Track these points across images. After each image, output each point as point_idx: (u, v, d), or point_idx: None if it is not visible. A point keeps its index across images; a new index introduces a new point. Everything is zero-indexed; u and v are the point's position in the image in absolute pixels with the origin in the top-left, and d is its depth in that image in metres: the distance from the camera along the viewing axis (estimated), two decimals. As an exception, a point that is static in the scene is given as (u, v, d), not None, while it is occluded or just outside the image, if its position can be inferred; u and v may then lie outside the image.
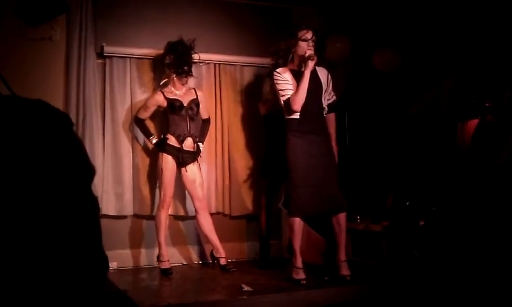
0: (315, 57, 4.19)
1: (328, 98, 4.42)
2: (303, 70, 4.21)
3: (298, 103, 4.18)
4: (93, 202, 0.98)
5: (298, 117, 4.23)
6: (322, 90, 4.35)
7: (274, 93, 4.55)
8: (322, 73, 4.40)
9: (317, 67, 4.33)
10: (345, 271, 4.22)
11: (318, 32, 4.40)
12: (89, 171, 0.98)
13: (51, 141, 0.91)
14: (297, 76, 4.25)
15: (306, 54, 4.18)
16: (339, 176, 4.40)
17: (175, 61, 4.85)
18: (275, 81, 4.31)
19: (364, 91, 5.86)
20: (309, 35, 4.26)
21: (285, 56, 4.33)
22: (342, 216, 4.26)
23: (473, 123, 4.52)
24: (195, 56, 4.95)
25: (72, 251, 0.92)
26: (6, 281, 0.86)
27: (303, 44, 4.25)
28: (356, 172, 5.67)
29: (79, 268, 0.93)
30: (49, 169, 0.89)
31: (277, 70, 4.31)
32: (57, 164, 0.90)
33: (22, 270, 0.87)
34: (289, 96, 4.21)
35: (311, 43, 4.25)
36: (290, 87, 4.23)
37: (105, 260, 1.00)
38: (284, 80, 4.25)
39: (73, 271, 0.91)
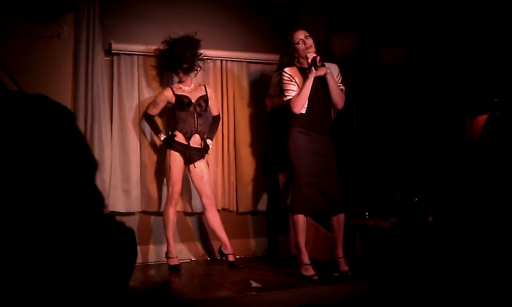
0: (321, 63, 4.15)
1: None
2: (307, 72, 4.18)
3: (298, 106, 4.19)
4: (96, 194, 0.98)
5: (305, 112, 4.22)
6: (328, 91, 4.30)
7: (281, 89, 4.55)
8: (333, 69, 4.35)
9: (326, 63, 4.30)
10: (345, 267, 4.26)
11: (310, 29, 4.37)
12: (90, 164, 0.98)
13: (52, 133, 0.92)
14: (304, 75, 4.23)
15: (310, 58, 4.15)
16: (347, 172, 4.39)
17: (171, 59, 4.87)
18: (282, 80, 4.31)
19: (372, 87, 5.84)
20: (301, 35, 4.26)
21: (291, 61, 4.34)
22: (342, 217, 4.29)
23: (482, 118, 4.50)
24: (199, 52, 4.94)
25: (75, 240, 0.92)
26: (9, 274, 0.86)
27: (298, 46, 4.26)
28: (364, 168, 5.66)
29: (84, 256, 0.93)
30: (51, 161, 0.89)
31: (285, 69, 4.31)
32: (58, 156, 0.90)
33: (26, 261, 0.87)
34: (291, 97, 4.22)
35: (307, 42, 4.23)
36: (294, 88, 4.23)
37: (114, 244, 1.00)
38: (290, 80, 4.25)
39: (78, 260, 0.91)
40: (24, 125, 0.89)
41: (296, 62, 4.32)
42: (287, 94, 4.26)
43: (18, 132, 0.88)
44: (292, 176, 4.31)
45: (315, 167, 4.20)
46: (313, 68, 4.14)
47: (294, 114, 4.22)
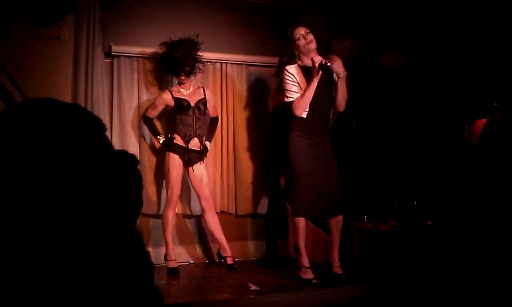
0: (327, 63, 4.12)
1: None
2: (312, 75, 4.12)
3: (300, 110, 4.16)
4: (123, 200, 1.01)
5: (305, 116, 4.21)
6: (331, 94, 4.30)
7: (282, 89, 4.54)
8: (338, 64, 4.27)
9: (331, 56, 4.28)
10: (338, 270, 4.24)
11: (310, 25, 4.36)
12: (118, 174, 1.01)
13: (85, 143, 0.94)
14: (306, 73, 4.21)
15: (316, 63, 4.10)
16: (347, 175, 4.39)
17: (168, 62, 4.87)
18: (284, 79, 4.25)
19: (371, 91, 5.84)
20: (301, 31, 4.24)
21: (292, 59, 4.29)
22: (341, 218, 4.27)
23: (481, 122, 4.49)
24: (197, 55, 4.94)
25: (106, 248, 0.94)
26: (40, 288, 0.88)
27: (299, 42, 4.23)
28: (363, 171, 5.66)
29: (117, 266, 0.95)
30: (82, 170, 0.91)
31: (286, 68, 4.25)
32: (89, 166, 0.93)
33: (61, 265, 0.88)
34: (293, 99, 4.18)
35: (308, 37, 4.21)
36: (296, 89, 4.19)
37: (144, 255, 1.03)
38: (292, 80, 4.20)
39: (112, 270, 0.93)
40: (59, 133, 0.91)
41: (297, 60, 4.28)
42: (288, 95, 4.21)
43: (53, 140, 0.90)
44: (292, 179, 4.30)
45: (315, 170, 4.19)
46: (321, 72, 4.09)
47: (295, 117, 4.20)
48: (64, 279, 0.88)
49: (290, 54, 4.30)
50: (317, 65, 4.10)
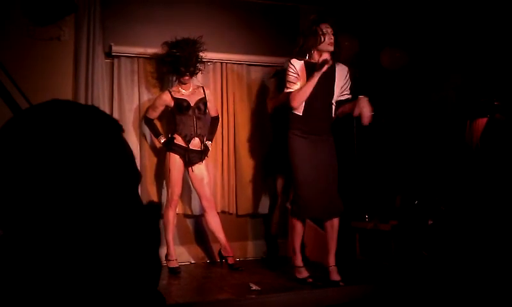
0: (331, 62, 4.10)
1: (340, 93, 4.29)
2: (316, 69, 4.09)
3: (297, 102, 4.11)
4: (140, 206, 1.02)
5: (301, 114, 4.15)
6: (333, 89, 4.24)
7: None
8: (341, 71, 4.27)
9: (337, 64, 4.25)
10: (336, 276, 4.11)
11: (335, 25, 4.27)
12: (136, 175, 1.01)
13: (104, 144, 0.95)
14: (312, 70, 4.14)
15: (321, 59, 4.08)
16: (348, 175, 4.38)
17: (172, 62, 4.86)
18: (287, 71, 4.20)
19: (372, 91, 5.84)
20: (328, 28, 4.13)
21: (307, 52, 4.18)
22: (337, 221, 4.19)
23: (482, 121, 4.49)
24: (200, 55, 4.93)
25: (122, 254, 0.94)
26: (57, 284, 0.88)
27: (322, 36, 4.10)
28: (364, 171, 5.65)
29: (131, 271, 0.95)
30: (101, 171, 0.92)
31: (291, 61, 4.18)
32: (108, 167, 0.93)
33: (72, 273, 0.89)
34: (292, 90, 4.14)
35: (331, 37, 4.12)
36: (297, 81, 4.14)
37: (158, 265, 1.03)
38: (294, 73, 4.15)
39: (124, 273, 0.94)
40: (77, 134, 0.92)
41: (306, 56, 4.18)
42: (288, 86, 4.17)
43: (71, 141, 0.90)
44: (291, 179, 4.28)
45: (317, 171, 4.13)
46: (321, 66, 4.04)
47: (296, 112, 4.15)
48: (67, 277, 0.88)
49: (303, 47, 4.17)
50: (321, 59, 4.06)
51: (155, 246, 1.04)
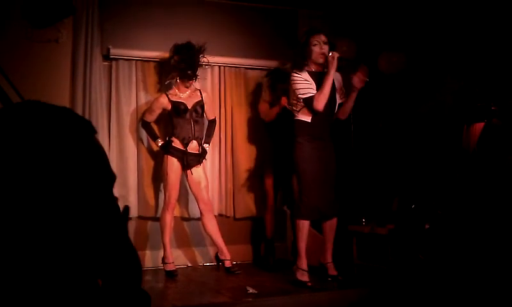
0: (337, 54, 4.20)
1: (341, 97, 4.44)
2: (326, 70, 4.20)
3: (322, 102, 4.18)
4: (114, 205, 1.02)
5: (310, 121, 4.24)
6: (335, 95, 4.36)
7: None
8: (337, 78, 4.41)
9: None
10: (334, 271, 4.34)
11: (327, 34, 4.39)
12: (110, 177, 1.01)
13: (75, 146, 0.95)
14: (314, 77, 4.25)
15: (330, 55, 4.17)
16: (345, 179, 4.43)
17: (179, 64, 4.84)
18: (293, 81, 4.27)
19: (369, 94, 5.84)
20: (322, 38, 4.27)
21: (301, 65, 4.30)
22: (335, 221, 4.38)
23: (479, 126, 4.50)
24: (203, 60, 4.94)
25: (92, 250, 0.94)
26: (22, 283, 0.88)
27: (314, 48, 4.25)
28: (361, 175, 5.66)
29: (105, 269, 0.95)
30: (73, 173, 0.92)
31: (295, 71, 4.28)
32: (80, 169, 0.93)
33: (38, 272, 0.89)
34: (312, 94, 4.19)
35: (323, 47, 4.25)
36: (311, 86, 4.22)
37: (135, 259, 1.04)
38: (304, 80, 4.23)
39: (97, 270, 0.94)
40: (49, 135, 0.92)
41: (305, 67, 4.28)
42: (304, 92, 4.21)
43: (43, 142, 0.90)
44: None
45: (321, 174, 4.26)
46: (333, 61, 4.14)
47: (304, 118, 4.23)
48: (54, 277, 0.88)
49: (299, 59, 4.30)
50: (330, 57, 4.15)
51: (129, 247, 1.03)
